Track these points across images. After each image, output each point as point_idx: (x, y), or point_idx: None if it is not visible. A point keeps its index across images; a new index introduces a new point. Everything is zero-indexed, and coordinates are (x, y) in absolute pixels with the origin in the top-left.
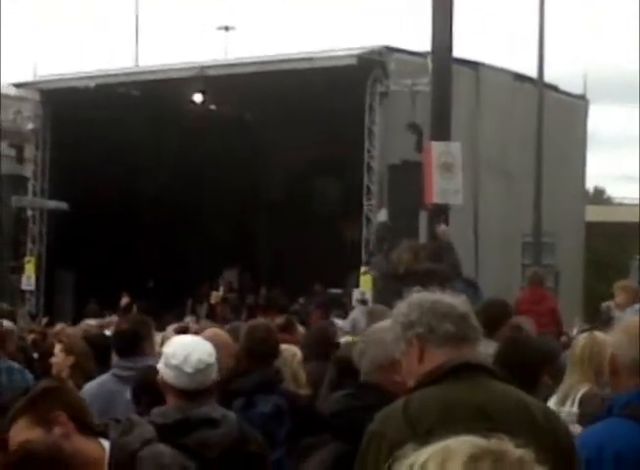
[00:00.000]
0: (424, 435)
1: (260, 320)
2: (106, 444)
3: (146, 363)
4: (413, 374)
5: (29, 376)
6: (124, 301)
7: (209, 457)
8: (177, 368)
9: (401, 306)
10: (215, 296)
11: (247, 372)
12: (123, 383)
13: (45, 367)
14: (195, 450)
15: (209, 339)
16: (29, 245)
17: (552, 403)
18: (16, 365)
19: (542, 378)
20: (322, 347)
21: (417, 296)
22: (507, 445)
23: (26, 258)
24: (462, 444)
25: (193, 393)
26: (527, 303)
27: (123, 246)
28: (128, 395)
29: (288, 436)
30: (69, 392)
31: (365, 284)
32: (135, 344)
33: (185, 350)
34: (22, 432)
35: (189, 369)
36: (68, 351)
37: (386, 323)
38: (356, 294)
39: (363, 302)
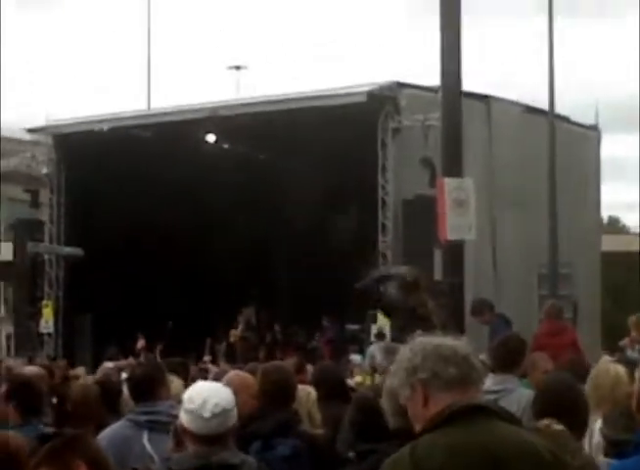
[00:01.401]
0: None
1: (275, 363)
2: None
3: (161, 408)
4: (419, 419)
5: None
6: (140, 343)
7: None
8: (194, 413)
9: (405, 351)
10: (234, 334)
11: (263, 415)
12: (139, 428)
13: (63, 412)
14: None
15: (232, 381)
16: (46, 289)
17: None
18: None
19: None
20: (331, 386)
21: (419, 340)
22: None
23: (44, 302)
24: None
25: (211, 438)
26: (546, 336)
27: (140, 288)
28: (145, 440)
29: None
30: (90, 442)
31: (383, 319)
32: (150, 389)
33: (202, 395)
34: None
35: (206, 414)
36: None
37: None
38: (374, 329)
39: (380, 336)
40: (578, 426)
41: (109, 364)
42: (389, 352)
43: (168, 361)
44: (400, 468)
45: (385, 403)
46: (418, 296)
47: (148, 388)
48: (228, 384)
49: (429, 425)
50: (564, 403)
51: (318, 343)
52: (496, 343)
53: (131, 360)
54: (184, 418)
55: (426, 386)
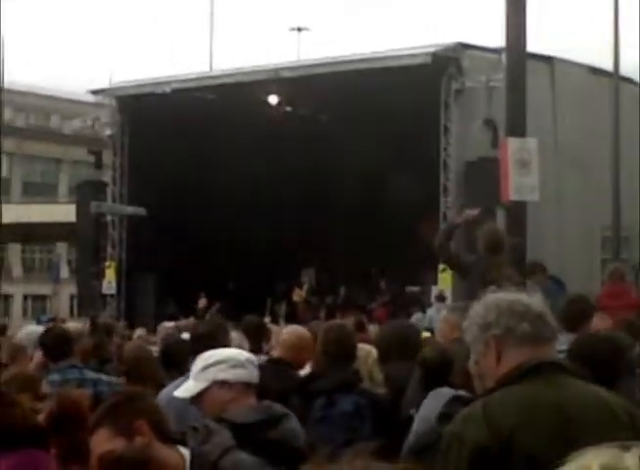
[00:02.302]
0: (505, 437)
1: (336, 321)
2: (185, 452)
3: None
4: (491, 375)
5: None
6: (202, 303)
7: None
8: (254, 364)
9: (478, 308)
10: (299, 294)
11: (326, 373)
12: None
13: (121, 373)
14: (284, 443)
15: (291, 334)
16: (109, 250)
17: None
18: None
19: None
20: (403, 347)
21: (493, 296)
22: None
23: (107, 263)
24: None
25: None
26: (608, 297)
27: (202, 248)
28: None
29: (371, 434)
30: (149, 399)
31: (443, 281)
32: (212, 347)
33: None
34: (104, 442)
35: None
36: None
37: None
38: (434, 291)
39: (441, 299)
40: (610, 380)
41: (168, 324)
42: (457, 311)
43: (245, 321)
44: (473, 423)
45: (470, 365)
46: (495, 258)
47: (210, 346)
48: (285, 340)
49: (501, 381)
50: (596, 356)
51: (376, 305)
52: (563, 303)
53: (192, 320)
54: (242, 372)
55: (499, 342)
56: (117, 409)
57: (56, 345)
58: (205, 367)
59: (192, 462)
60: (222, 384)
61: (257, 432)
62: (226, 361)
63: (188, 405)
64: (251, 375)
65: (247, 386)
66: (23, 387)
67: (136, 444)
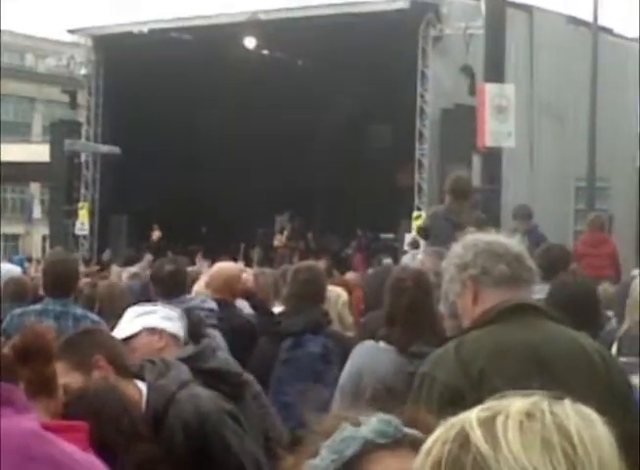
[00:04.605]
0: (475, 377)
1: (306, 262)
2: (142, 386)
3: (193, 302)
4: (467, 316)
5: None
6: (155, 235)
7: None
8: None
9: (456, 248)
10: (279, 239)
11: (294, 314)
12: None
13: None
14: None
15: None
16: (83, 190)
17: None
18: (91, 315)
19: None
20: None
21: (471, 237)
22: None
23: (80, 204)
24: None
25: None
26: (587, 246)
27: (175, 191)
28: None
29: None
30: (107, 334)
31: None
32: (176, 285)
33: None
34: (62, 376)
35: None
36: None
37: None
38: (408, 238)
39: (414, 245)
40: (592, 324)
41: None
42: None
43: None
44: (445, 363)
45: (441, 305)
46: (461, 202)
47: (174, 284)
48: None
49: (477, 322)
50: (575, 298)
51: (352, 251)
52: (539, 251)
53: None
54: (171, 325)
55: (476, 282)
56: (75, 344)
57: None
58: (138, 315)
59: (148, 396)
60: (152, 331)
61: (195, 364)
62: (157, 312)
63: None
64: (180, 329)
65: (175, 338)
66: None
67: (93, 378)
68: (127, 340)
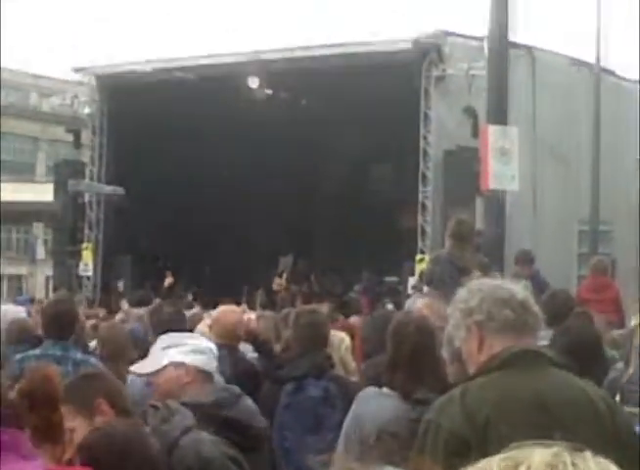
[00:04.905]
0: (481, 425)
1: (308, 306)
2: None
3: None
4: (472, 361)
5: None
6: (168, 281)
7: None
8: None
9: (461, 293)
10: (278, 283)
11: (297, 358)
12: None
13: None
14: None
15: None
16: (87, 231)
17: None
18: (91, 359)
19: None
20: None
21: (477, 282)
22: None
23: (84, 245)
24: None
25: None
26: (590, 291)
27: (179, 231)
28: None
29: (340, 422)
30: (109, 378)
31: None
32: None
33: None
34: (65, 420)
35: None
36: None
37: None
38: (411, 282)
39: (418, 289)
40: (596, 369)
41: (124, 306)
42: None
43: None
44: (450, 411)
45: (444, 350)
46: (461, 244)
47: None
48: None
49: (482, 369)
50: (583, 343)
51: (357, 294)
52: (545, 297)
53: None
54: (200, 358)
55: (481, 328)
56: (78, 389)
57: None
58: (164, 348)
59: None
60: (179, 365)
61: (215, 411)
62: (185, 345)
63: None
64: (209, 363)
65: (203, 373)
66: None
67: (95, 422)
68: (153, 375)
